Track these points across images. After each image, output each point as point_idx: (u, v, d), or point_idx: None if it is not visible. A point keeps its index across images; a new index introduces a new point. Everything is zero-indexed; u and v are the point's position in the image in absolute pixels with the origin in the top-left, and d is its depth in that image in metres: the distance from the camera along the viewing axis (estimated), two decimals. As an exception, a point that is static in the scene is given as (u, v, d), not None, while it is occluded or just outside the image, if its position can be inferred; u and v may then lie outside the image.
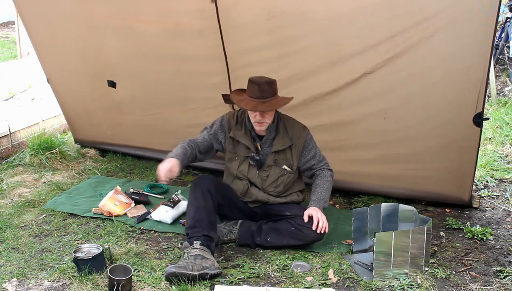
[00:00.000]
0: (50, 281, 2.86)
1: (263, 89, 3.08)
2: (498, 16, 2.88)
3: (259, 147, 3.26)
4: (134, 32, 3.91)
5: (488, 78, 3.33)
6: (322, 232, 3.12)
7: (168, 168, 3.07)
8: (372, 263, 2.92)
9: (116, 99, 4.52)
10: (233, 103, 3.88)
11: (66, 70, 4.60)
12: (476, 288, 2.80)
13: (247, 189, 3.29)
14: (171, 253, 3.18)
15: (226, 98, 3.90)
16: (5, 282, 2.85)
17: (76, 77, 4.58)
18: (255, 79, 3.13)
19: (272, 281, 2.90)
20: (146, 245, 3.28)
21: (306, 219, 3.14)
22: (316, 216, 3.12)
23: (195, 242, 2.95)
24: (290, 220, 3.21)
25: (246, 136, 3.26)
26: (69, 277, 2.87)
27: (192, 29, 3.62)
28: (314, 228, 3.10)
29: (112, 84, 4.40)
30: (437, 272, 2.94)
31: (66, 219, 3.63)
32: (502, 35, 7.06)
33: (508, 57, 6.93)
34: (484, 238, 3.32)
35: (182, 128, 4.36)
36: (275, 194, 3.29)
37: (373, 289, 2.81)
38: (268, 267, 3.02)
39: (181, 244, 3.05)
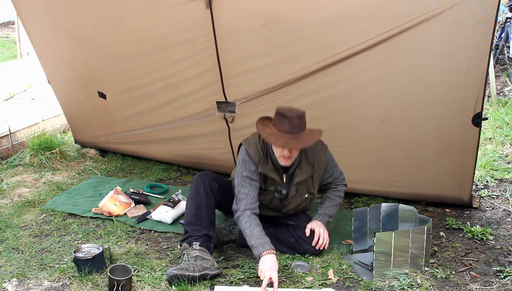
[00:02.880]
0: (50, 281, 2.86)
1: (294, 124, 2.83)
2: (497, 16, 2.87)
3: (284, 179, 3.07)
4: (121, 47, 3.89)
5: (487, 78, 3.33)
6: (321, 248, 3.12)
7: (275, 278, 2.70)
8: (372, 263, 2.92)
9: (108, 110, 4.51)
10: (225, 113, 3.85)
11: (62, 75, 4.61)
12: (476, 288, 2.80)
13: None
14: (171, 253, 3.18)
15: (220, 106, 3.85)
16: (5, 282, 2.85)
17: (71, 83, 4.59)
18: (285, 112, 2.86)
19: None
20: (146, 245, 3.28)
21: (307, 233, 3.13)
22: (318, 232, 3.11)
23: (194, 243, 2.93)
24: (291, 229, 3.19)
25: (274, 170, 3.03)
26: (69, 277, 2.88)
27: (183, 40, 3.55)
28: (313, 244, 3.10)
29: (102, 95, 4.39)
30: (437, 272, 2.94)
31: (66, 219, 3.63)
32: (502, 35, 7.04)
33: (508, 57, 6.91)
34: (484, 238, 3.32)
35: (176, 139, 4.36)
36: (290, 213, 3.23)
37: (373, 289, 2.81)
38: (268, 267, 3.02)
39: (180, 244, 3.04)
